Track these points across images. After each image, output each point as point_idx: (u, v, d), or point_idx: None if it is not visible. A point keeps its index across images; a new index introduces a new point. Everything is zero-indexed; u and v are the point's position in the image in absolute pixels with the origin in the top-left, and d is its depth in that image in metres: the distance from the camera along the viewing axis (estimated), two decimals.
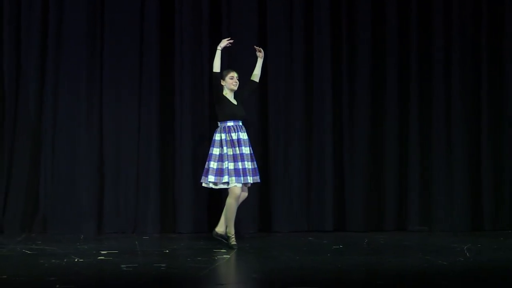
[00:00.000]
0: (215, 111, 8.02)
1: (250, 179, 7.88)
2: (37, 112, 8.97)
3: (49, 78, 8.94)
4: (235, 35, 9.00)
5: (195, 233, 8.85)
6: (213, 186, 7.89)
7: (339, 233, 8.98)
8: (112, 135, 9.05)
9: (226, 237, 7.90)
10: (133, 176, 9.01)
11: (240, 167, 7.81)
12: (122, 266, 6.76)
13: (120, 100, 9.06)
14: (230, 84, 8.01)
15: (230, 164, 7.78)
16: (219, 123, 7.95)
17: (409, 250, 7.84)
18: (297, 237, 8.65)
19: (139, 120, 9.04)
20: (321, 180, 9.14)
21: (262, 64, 8.15)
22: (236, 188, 7.79)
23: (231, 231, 7.86)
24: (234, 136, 7.88)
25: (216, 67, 7.87)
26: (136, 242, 8.22)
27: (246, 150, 7.90)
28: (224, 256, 7.42)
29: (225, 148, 7.82)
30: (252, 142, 8.19)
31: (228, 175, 7.76)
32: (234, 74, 8.03)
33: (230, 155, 7.81)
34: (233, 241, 7.84)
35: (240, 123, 7.97)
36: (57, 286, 5.94)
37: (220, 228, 7.97)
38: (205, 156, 8.00)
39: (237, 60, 8.89)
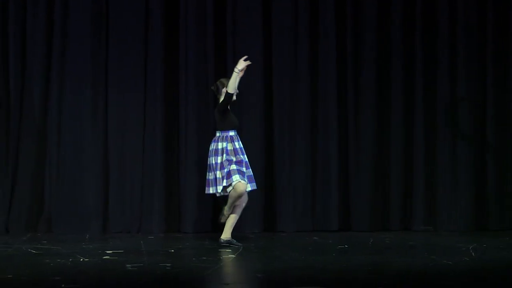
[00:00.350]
0: (216, 119, 7.96)
1: (249, 186, 7.88)
2: (42, 112, 8.98)
3: (54, 78, 8.94)
4: (240, 34, 9.03)
5: (200, 233, 8.85)
6: (224, 193, 7.83)
7: (344, 233, 8.97)
8: (117, 135, 9.05)
9: (232, 241, 7.88)
10: (138, 176, 9.01)
11: (244, 171, 7.83)
12: (127, 265, 6.76)
13: (125, 100, 9.05)
14: None
15: (233, 165, 7.77)
16: (219, 132, 7.91)
17: (414, 250, 7.84)
18: (302, 237, 8.64)
19: (144, 120, 9.04)
20: (326, 180, 9.13)
21: (238, 80, 7.78)
22: (241, 184, 7.73)
23: (227, 212, 7.84)
24: (237, 145, 7.88)
25: (231, 89, 7.70)
26: (141, 242, 8.22)
27: (245, 158, 7.92)
28: (229, 255, 7.43)
29: (226, 156, 7.78)
30: (257, 143, 8.20)
31: (233, 174, 7.75)
32: None
33: (235, 160, 7.81)
34: (223, 219, 7.83)
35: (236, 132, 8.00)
36: (62, 285, 5.94)
37: (224, 235, 7.94)
38: None
39: None
